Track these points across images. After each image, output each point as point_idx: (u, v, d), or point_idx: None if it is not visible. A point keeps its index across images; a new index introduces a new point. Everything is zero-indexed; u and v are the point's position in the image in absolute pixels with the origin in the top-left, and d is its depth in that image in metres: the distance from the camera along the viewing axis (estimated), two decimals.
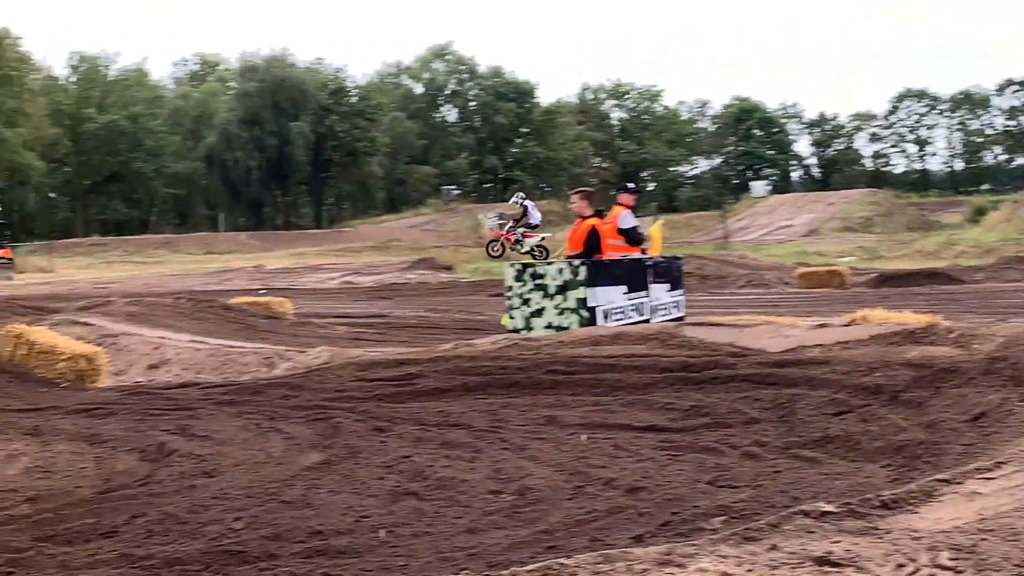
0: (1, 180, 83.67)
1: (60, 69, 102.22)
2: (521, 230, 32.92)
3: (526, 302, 15.81)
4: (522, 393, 11.52)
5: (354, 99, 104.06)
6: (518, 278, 15.92)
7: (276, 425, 11.04)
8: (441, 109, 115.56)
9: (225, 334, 18.66)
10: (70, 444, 10.69)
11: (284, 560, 6.44)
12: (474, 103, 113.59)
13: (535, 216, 33.27)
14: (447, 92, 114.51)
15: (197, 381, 14.75)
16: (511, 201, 36.16)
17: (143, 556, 6.67)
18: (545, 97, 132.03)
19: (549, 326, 15.51)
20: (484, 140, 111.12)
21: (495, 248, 33.97)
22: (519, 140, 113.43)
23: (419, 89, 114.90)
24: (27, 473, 9.77)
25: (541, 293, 15.69)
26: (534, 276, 15.80)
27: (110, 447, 10.50)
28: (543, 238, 32.94)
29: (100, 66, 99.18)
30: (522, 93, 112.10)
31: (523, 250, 32.29)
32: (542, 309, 15.68)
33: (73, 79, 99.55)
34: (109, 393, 14.17)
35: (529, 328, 15.62)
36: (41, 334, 16.00)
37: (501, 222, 34.95)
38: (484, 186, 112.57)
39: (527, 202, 33.58)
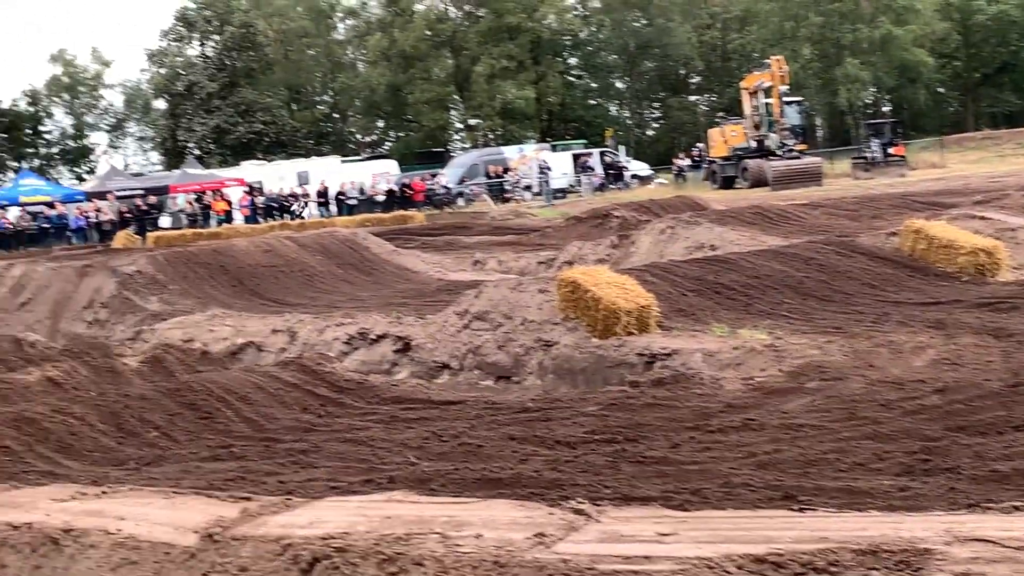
0: (891, 78, 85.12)
1: None
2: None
3: None
4: None
5: None
6: None
7: None
8: None
9: None
10: (975, 337, 10.71)
11: None
12: None
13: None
14: None
15: None
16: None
17: None
18: None
19: None
20: None
21: None
22: None
23: None
24: (934, 365, 9.97)
25: None
26: None
27: (1016, 341, 10.37)
28: None
29: None
30: None
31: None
32: None
33: None
34: (1011, 287, 13.99)
35: None
36: (939, 228, 16.17)
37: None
38: None
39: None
